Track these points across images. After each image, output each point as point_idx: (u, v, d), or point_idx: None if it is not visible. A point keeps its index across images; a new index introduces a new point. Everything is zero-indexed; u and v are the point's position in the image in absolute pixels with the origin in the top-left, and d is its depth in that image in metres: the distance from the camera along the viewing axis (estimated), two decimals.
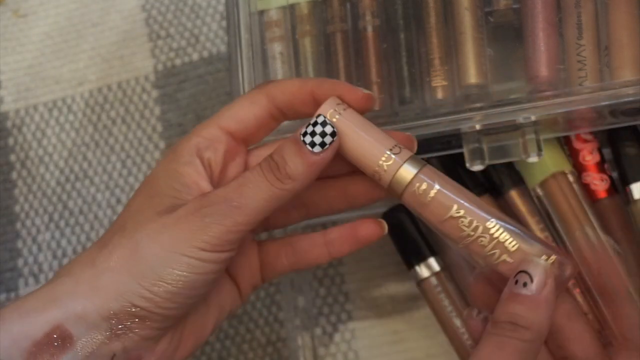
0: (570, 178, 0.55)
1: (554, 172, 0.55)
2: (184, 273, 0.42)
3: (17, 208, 0.68)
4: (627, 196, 0.55)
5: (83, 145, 0.68)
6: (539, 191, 0.56)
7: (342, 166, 0.47)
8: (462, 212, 0.43)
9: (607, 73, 0.50)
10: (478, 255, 0.43)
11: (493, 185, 0.57)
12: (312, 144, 0.43)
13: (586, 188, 0.56)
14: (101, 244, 0.44)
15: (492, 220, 0.43)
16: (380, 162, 0.44)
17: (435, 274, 0.57)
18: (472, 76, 0.51)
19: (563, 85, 0.50)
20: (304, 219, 0.50)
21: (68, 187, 0.67)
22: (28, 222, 0.67)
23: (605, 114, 0.50)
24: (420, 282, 0.58)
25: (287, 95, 0.46)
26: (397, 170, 0.44)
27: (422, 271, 0.57)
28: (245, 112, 0.46)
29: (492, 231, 0.43)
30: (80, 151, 0.68)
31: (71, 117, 0.69)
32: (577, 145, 0.56)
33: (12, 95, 0.70)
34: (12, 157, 0.69)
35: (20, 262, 0.67)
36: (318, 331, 0.61)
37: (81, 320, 0.42)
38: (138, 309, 0.42)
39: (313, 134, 0.43)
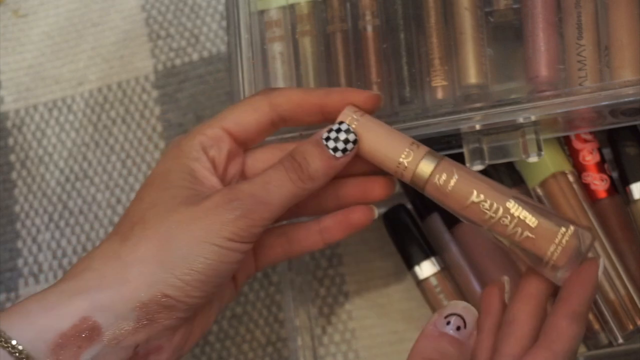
0: (570, 178, 0.55)
1: (554, 172, 0.55)
2: (214, 262, 0.44)
3: (17, 208, 0.68)
4: (627, 196, 0.55)
5: (83, 145, 0.68)
6: (539, 191, 0.56)
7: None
8: (482, 196, 0.46)
9: (607, 73, 0.50)
10: (502, 235, 0.46)
11: None
12: (335, 149, 0.46)
13: (586, 188, 0.56)
14: (122, 237, 0.45)
15: (511, 200, 0.46)
16: (401, 160, 0.46)
17: (435, 274, 0.57)
18: (472, 76, 0.51)
19: (563, 85, 0.50)
20: (293, 217, 0.52)
21: (68, 187, 0.67)
22: (28, 222, 0.67)
23: (605, 114, 0.50)
24: (420, 282, 0.58)
25: (292, 104, 0.48)
26: (417, 165, 0.46)
27: (422, 271, 0.57)
28: (248, 117, 0.48)
29: (512, 211, 0.46)
30: (80, 151, 0.68)
31: (71, 117, 0.69)
32: (577, 145, 0.56)
33: (12, 95, 0.70)
34: (12, 157, 0.69)
35: (20, 262, 0.67)
36: (318, 331, 0.61)
37: (109, 311, 0.43)
38: (168, 298, 0.44)
39: (337, 139, 0.46)
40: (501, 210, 0.46)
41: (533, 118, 0.50)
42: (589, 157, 0.56)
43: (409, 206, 0.59)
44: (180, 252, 0.44)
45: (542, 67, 0.50)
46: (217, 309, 0.50)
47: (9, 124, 0.69)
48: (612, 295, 0.54)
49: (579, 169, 0.56)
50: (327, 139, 0.46)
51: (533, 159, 0.50)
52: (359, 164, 0.49)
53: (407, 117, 0.51)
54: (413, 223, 0.58)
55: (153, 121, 0.67)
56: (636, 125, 0.55)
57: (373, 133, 0.47)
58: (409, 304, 0.61)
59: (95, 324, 0.43)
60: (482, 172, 0.53)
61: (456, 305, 0.45)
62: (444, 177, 0.46)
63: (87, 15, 0.71)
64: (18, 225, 0.67)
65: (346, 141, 0.46)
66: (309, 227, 0.51)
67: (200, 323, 0.48)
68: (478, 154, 0.51)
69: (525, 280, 0.47)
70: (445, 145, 0.52)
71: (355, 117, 0.47)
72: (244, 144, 0.49)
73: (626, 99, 0.48)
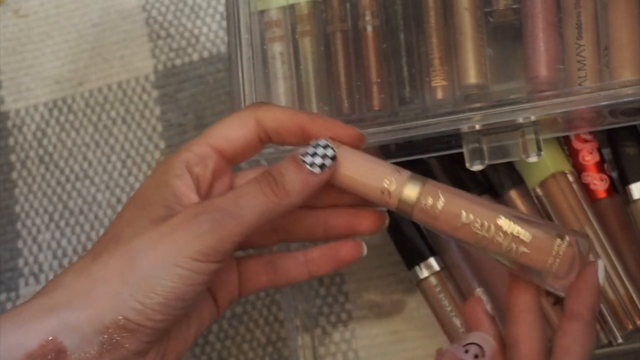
0: (570, 178, 0.55)
1: (553, 172, 0.55)
2: (175, 285, 0.42)
3: (18, 208, 0.68)
4: (627, 196, 0.55)
5: (83, 145, 0.68)
6: (539, 191, 0.56)
7: (326, 198, 0.48)
8: (471, 216, 0.44)
9: (606, 73, 0.50)
10: (498, 253, 0.44)
11: (492, 185, 0.57)
12: (312, 164, 0.44)
13: (586, 188, 0.56)
14: (95, 253, 0.44)
15: (501, 217, 0.44)
16: (384, 189, 0.45)
17: (435, 273, 0.57)
18: (472, 76, 0.51)
19: (563, 85, 0.50)
20: (280, 242, 0.51)
21: (68, 187, 0.67)
22: (28, 222, 0.67)
23: (605, 114, 0.50)
24: (420, 282, 0.58)
25: (277, 122, 0.46)
26: (402, 192, 0.45)
27: (422, 271, 0.57)
28: (235, 132, 0.47)
29: (504, 227, 0.44)
30: (81, 151, 0.68)
31: (71, 117, 0.69)
32: (577, 145, 0.56)
33: (12, 95, 0.70)
34: (13, 157, 0.69)
35: (20, 262, 0.67)
36: (318, 331, 0.61)
37: (75, 332, 0.42)
38: (128, 321, 0.42)
39: (314, 154, 0.44)
40: (493, 228, 0.44)
41: (533, 118, 0.50)
42: (589, 157, 0.56)
43: None
44: (144, 272, 0.42)
45: (542, 67, 0.50)
46: (195, 331, 0.48)
47: (9, 123, 0.69)
48: (611, 295, 0.54)
49: (578, 169, 0.56)
50: (305, 154, 0.44)
51: (533, 159, 0.50)
52: (348, 195, 0.47)
53: (407, 117, 0.51)
54: (413, 223, 0.58)
55: (153, 121, 0.68)
56: (636, 125, 0.55)
57: (353, 163, 0.45)
58: (409, 304, 0.61)
59: (61, 345, 0.42)
60: (482, 172, 0.53)
61: (475, 336, 0.45)
62: (429, 200, 0.44)
63: (87, 15, 0.71)
64: (18, 225, 0.67)
65: (324, 156, 0.44)
66: (296, 257, 0.49)
67: (176, 346, 0.47)
68: (478, 154, 0.51)
69: (511, 297, 0.46)
70: (445, 145, 0.52)
71: (334, 146, 0.45)
72: (232, 160, 0.48)
73: (626, 99, 0.48)
